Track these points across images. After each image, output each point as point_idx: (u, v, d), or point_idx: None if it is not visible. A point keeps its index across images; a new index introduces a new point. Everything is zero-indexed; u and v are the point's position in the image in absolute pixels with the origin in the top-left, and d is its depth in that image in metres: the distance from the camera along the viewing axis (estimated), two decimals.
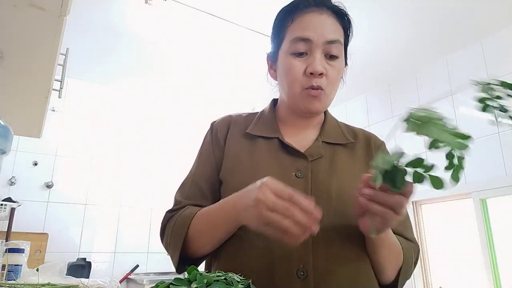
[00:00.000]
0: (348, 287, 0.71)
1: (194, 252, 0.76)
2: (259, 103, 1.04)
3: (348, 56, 0.87)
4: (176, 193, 0.85)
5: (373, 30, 2.67)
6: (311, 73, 0.75)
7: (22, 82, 1.44)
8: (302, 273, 0.69)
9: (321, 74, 0.75)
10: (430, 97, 3.06)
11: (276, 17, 0.85)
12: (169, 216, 0.81)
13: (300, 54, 0.77)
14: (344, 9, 0.82)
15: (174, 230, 0.76)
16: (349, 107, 3.81)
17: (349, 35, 0.84)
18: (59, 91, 1.63)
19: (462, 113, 2.80)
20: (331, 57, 0.77)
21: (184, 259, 0.76)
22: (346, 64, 0.86)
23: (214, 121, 0.90)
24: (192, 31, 2.70)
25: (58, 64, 1.43)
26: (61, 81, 1.62)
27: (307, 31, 0.76)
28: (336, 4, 0.82)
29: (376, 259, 0.75)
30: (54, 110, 3.23)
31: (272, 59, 0.87)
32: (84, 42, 2.85)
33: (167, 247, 0.79)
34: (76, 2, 1.24)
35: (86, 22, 2.60)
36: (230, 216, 0.69)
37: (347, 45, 0.85)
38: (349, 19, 0.83)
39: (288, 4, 0.83)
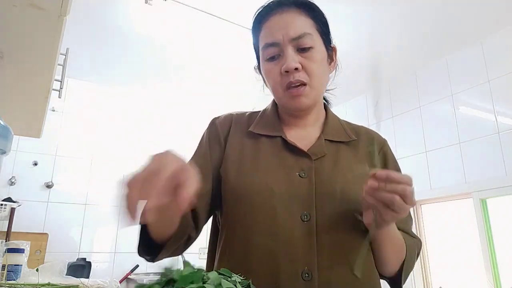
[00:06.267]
0: None
1: (157, 236, 0.71)
2: (259, 103, 1.04)
3: (332, 39, 0.85)
4: None
5: (373, 30, 2.67)
6: (286, 71, 0.76)
7: (22, 82, 1.43)
8: (306, 274, 0.68)
9: (296, 69, 0.75)
10: (430, 97, 3.06)
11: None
12: None
13: (273, 58, 0.79)
14: None
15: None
16: (349, 107, 3.81)
17: (323, 20, 0.82)
18: (59, 91, 1.63)
19: (462, 113, 2.80)
20: (303, 49, 0.77)
21: (149, 245, 0.71)
22: (329, 48, 0.84)
23: (216, 118, 0.90)
24: (192, 31, 2.70)
25: (58, 64, 1.43)
26: (61, 81, 1.62)
27: (272, 35, 0.78)
28: None
29: (380, 254, 0.76)
30: (54, 110, 3.23)
31: (259, 70, 0.88)
32: (84, 42, 2.85)
33: None
34: (76, 2, 1.24)
35: (86, 22, 2.60)
36: None
37: (328, 29, 0.84)
38: (314, 6, 0.82)
39: (254, 15, 0.84)
